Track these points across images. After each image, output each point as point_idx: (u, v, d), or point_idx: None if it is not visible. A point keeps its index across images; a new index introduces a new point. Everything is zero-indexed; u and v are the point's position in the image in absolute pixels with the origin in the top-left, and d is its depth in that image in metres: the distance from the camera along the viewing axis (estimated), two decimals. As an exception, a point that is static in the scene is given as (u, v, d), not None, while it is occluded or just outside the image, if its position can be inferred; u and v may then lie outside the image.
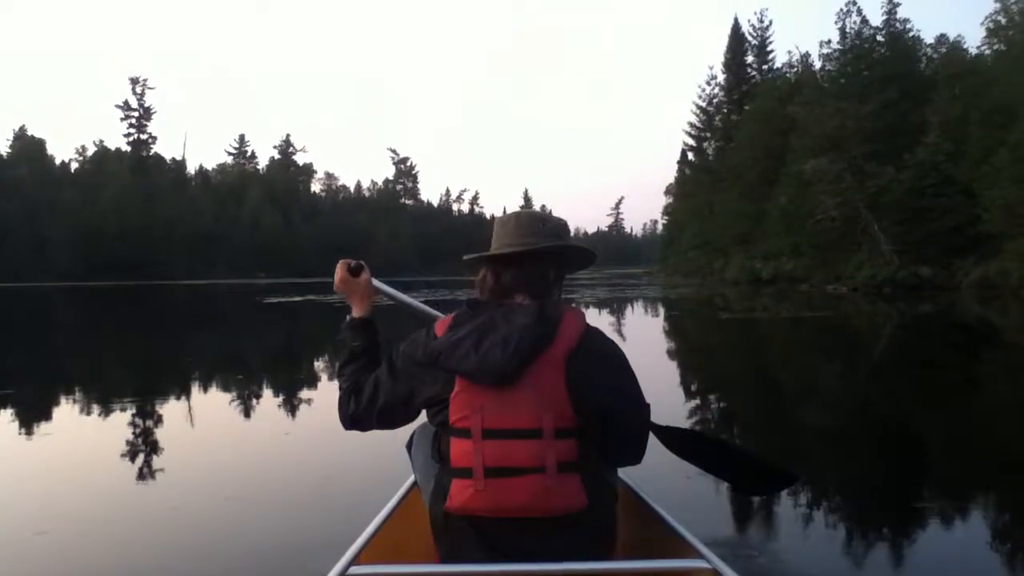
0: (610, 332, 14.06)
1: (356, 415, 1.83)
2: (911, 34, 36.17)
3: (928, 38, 37.96)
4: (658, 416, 1.82)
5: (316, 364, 11.12)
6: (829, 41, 36.09)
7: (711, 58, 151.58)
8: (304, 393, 8.06)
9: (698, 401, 7.48)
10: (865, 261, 29.68)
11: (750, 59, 55.65)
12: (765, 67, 54.63)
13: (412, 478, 2.12)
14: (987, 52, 32.75)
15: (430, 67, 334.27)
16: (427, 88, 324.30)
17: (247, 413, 6.94)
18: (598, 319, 18.24)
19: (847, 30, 34.77)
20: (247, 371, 10.28)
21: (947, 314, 19.50)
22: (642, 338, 14.10)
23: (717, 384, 8.71)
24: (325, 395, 7.31)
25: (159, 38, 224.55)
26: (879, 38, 34.87)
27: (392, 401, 1.78)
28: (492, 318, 1.68)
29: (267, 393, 8.19)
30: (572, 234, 1.95)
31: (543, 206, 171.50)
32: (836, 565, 3.07)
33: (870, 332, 15.58)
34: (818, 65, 39.39)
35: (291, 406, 7.22)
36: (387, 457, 3.31)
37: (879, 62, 33.83)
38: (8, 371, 10.09)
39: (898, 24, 35.08)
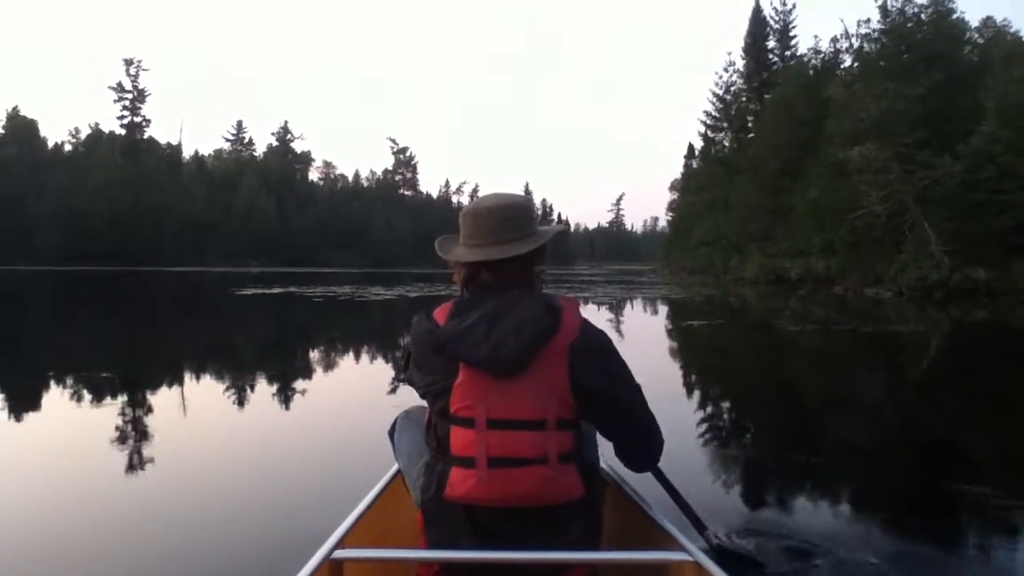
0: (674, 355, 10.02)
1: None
2: (956, 15, 33.03)
3: (972, 20, 34.73)
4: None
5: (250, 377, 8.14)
6: (868, 20, 32.99)
7: (714, 55, 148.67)
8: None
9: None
10: (911, 262, 26.53)
11: (772, 44, 52.38)
12: (788, 53, 51.39)
13: (396, 466, 2.11)
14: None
15: (433, 59, 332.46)
16: (429, 80, 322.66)
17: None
18: (640, 331, 15.88)
19: (889, 7, 31.62)
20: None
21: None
22: (723, 366, 11.22)
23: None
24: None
25: (160, 21, 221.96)
26: (923, 17, 31.73)
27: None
28: (499, 307, 1.65)
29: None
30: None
31: (543, 200, 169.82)
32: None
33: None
34: (852, 46, 36.09)
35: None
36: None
37: (923, 43, 30.70)
38: None
39: (944, 2, 31.93)
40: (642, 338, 13.43)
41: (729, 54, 76.11)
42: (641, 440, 1.82)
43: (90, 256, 70.50)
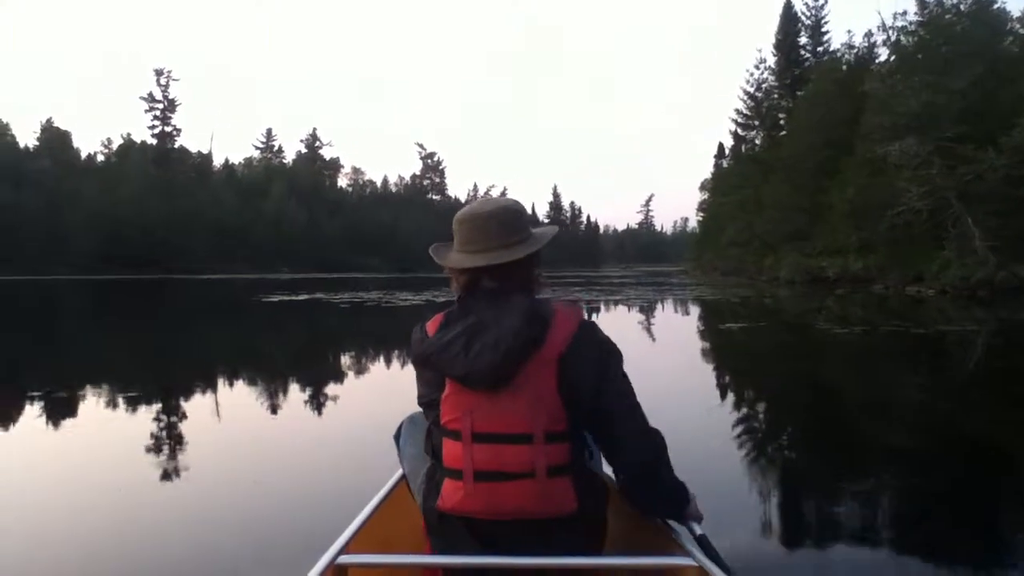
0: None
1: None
2: (996, 6, 31.94)
3: (1014, 11, 33.69)
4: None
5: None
6: (904, 12, 32.13)
7: (748, 48, 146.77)
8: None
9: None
10: (954, 259, 25.62)
11: (803, 40, 51.30)
12: (820, 49, 50.32)
13: (400, 471, 2.11)
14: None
15: (460, 63, 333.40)
16: (457, 84, 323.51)
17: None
18: (677, 335, 15.45)
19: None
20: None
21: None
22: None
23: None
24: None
25: (190, 32, 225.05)
26: (962, 8, 30.75)
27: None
28: (482, 318, 1.63)
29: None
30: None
31: (572, 202, 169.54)
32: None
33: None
34: (889, 39, 35.15)
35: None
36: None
37: (962, 35, 29.73)
38: None
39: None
40: (680, 342, 12.93)
41: (760, 51, 75.26)
42: (631, 453, 1.70)
43: (123, 264, 71.43)
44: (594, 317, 18.53)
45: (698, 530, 1.80)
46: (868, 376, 8.88)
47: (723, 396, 7.60)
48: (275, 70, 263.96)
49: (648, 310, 20.52)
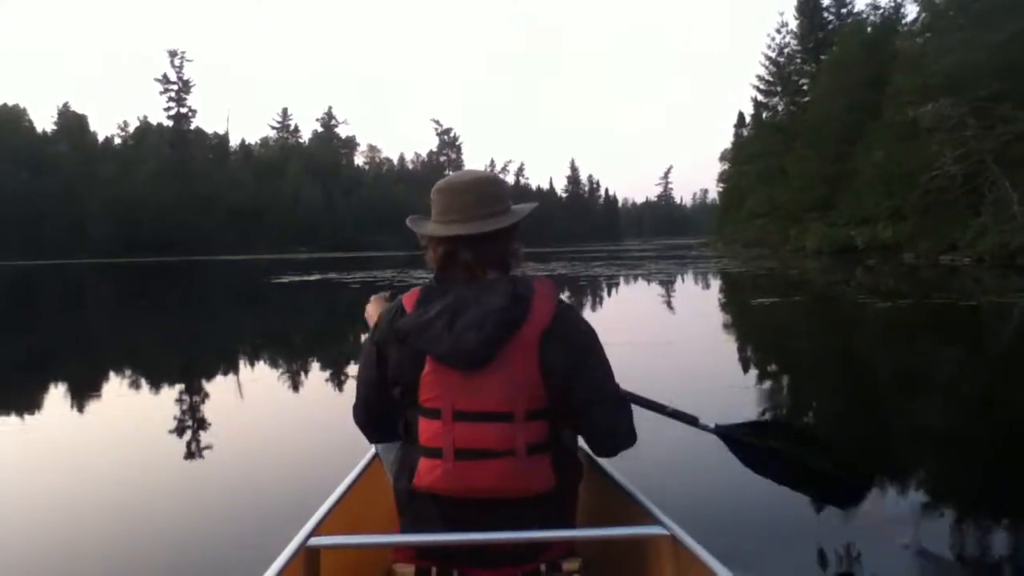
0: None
1: (356, 415, 1.81)
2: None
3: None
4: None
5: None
6: (934, -33, 30.61)
7: (749, 47, 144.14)
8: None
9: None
10: (990, 225, 24.50)
11: (827, 2, 49.60)
12: (844, 11, 48.69)
13: (373, 450, 2.10)
14: None
15: (472, 37, 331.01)
16: (472, 58, 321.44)
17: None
18: (709, 314, 14.72)
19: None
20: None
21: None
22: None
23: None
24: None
25: (204, 11, 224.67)
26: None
27: (372, 388, 1.74)
28: (463, 296, 1.61)
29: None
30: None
31: (590, 176, 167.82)
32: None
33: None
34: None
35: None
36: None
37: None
38: None
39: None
40: (712, 322, 12.07)
41: (781, 15, 73.43)
42: (600, 447, 1.75)
43: (141, 247, 71.55)
44: (614, 293, 17.82)
45: None
46: (925, 355, 8.07)
47: (768, 379, 6.85)
48: (286, 56, 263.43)
49: (673, 285, 19.77)
